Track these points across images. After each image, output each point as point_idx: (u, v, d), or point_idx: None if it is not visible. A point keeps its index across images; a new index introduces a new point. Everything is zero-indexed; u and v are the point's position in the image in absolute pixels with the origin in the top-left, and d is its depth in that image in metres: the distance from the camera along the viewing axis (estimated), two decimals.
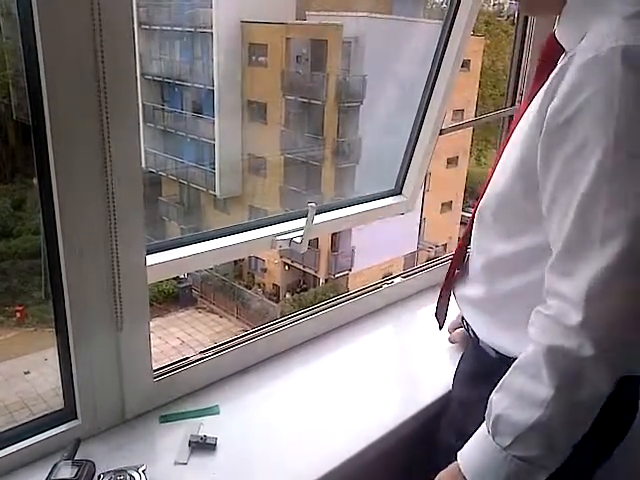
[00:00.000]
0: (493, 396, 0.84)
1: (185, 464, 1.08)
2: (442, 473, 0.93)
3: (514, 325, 0.95)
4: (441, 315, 1.28)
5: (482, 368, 1.08)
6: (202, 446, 1.11)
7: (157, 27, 11.48)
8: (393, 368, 1.46)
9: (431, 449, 1.16)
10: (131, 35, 0.95)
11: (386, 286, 1.70)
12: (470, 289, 1.10)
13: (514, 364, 0.84)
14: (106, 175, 0.97)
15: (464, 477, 0.86)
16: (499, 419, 0.81)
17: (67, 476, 0.96)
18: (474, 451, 0.86)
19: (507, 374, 0.84)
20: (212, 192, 11.02)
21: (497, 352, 1.03)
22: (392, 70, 8.23)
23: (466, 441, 0.91)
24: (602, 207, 0.73)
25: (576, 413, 0.78)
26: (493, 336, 1.04)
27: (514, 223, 0.94)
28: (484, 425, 0.85)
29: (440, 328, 1.31)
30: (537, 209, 0.85)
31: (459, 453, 0.88)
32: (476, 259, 1.07)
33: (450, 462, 0.98)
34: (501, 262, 0.99)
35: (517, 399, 0.80)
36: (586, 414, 0.77)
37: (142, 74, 11.01)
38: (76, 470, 0.98)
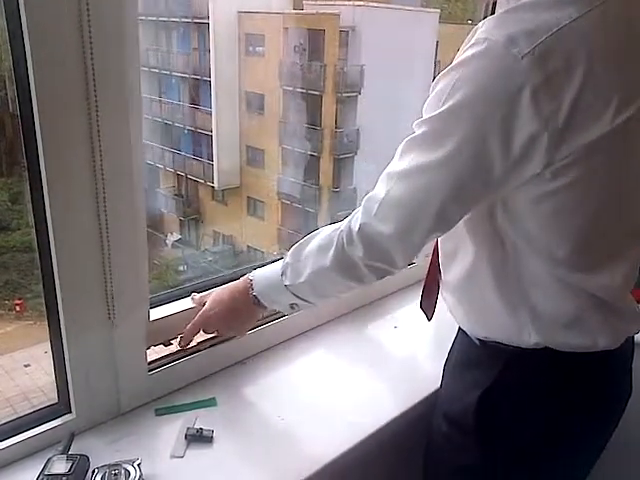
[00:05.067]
0: (294, 247, 1.08)
1: (181, 457, 1.07)
2: (234, 284, 1.17)
3: (485, 310, 1.01)
4: (428, 306, 1.26)
5: (467, 357, 1.09)
6: (198, 439, 1.10)
7: (153, 18, 11.42)
8: (392, 360, 1.46)
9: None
10: (122, 25, 0.93)
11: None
12: (445, 277, 1.11)
13: (317, 234, 1.04)
14: (98, 168, 0.96)
15: (252, 289, 1.13)
16: (288, 266, 1.07)
17: (61, 471, 0.96)
18: (265, 277, 1.12)
19: (310, 238, 1.05)
20: (210, 183, 10.98)
21: (479, 340, 1.04)
22: (390, 60, 8.18)
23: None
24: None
25: (334, 281, 1.05)
26: (472, 323, 1.06)
27: None
28: (280, 263, 1.10)
29: (429, 319, 1.29)
30: None
31: (254, 273, 1.14)
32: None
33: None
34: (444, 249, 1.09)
35: (305, 258, 1.05)
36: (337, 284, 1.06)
37: None
38: (70, 464, 0.97)
